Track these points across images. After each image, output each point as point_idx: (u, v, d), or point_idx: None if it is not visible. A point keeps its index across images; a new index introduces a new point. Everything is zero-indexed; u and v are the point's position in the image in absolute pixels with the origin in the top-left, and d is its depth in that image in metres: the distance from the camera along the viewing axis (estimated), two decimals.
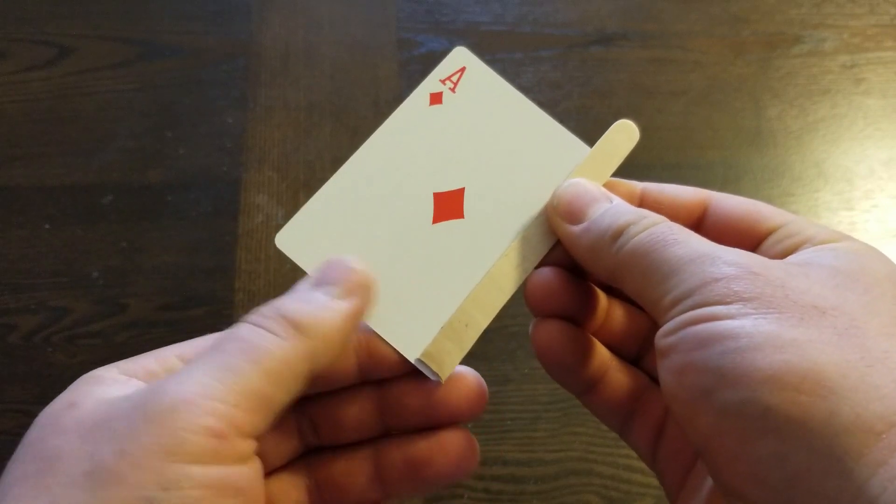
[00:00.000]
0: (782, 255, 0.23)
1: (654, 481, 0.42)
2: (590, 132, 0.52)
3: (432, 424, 0.25)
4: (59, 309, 0.44)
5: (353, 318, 0.22)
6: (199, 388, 0.19)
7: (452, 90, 0.27)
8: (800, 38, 0.56)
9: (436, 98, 0.27)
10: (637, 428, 0.26)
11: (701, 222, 0.25)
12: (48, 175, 0.47)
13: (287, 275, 0.45)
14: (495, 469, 0.41)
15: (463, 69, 0.27)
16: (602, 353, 0.26)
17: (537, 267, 0.25)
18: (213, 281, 0.45)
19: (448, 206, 0.26)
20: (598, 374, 0.26)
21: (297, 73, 0.52)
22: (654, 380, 0.27)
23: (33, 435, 0.20)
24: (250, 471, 0.19)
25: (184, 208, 0.47)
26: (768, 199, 0.50)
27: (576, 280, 0.25)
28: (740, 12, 0.56)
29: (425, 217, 0.26)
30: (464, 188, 0.26)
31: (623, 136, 0.26)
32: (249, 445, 0.19)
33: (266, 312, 0.21)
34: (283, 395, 0.20)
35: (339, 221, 0.26)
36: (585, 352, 0.26)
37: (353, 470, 0.24)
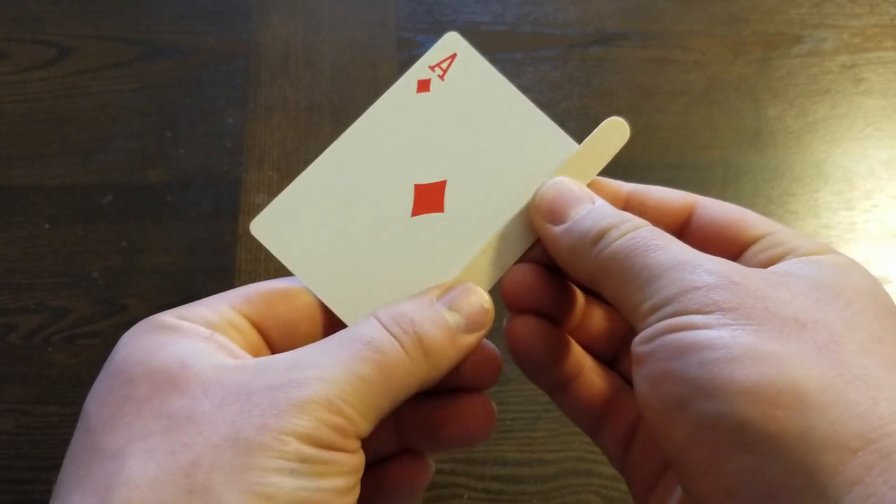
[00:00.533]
0: (765, 265, 0.22)
1: None
2: (590, 132, 0.52)
3: (450, 388, 0.25)
4: (59, 309, 0.44)
5: (468, 354, 0.23)
6: (337, 390, 0.20)
7: (441, 77, 0.26)
8: (800, 38, 0.56)
9: (423, 85, 0.26)
10: (608, 431, 0.26)
11: (686, 227, 0.25)
12: (48, 175, 0.47)
13: (287, 275, 0.45)
14: (495, 469, 0.41)
15: (454, 56, 0.26)
16: (577, 353, 0.26)
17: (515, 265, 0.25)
18: (213, 281, 0.45)
19: (428, 198, 0.25)
20: (572, 374, 0.26)
21: (297, 73, 0.52)
22: (629, 383, 0.26)
23: (144, 391, 0.20)
24: (359, 459, 0.21)
25: (184, 208, 0.47)
26: (768, 199, 0.50)
27: (553, 278, 0.25)
28: (740, 12, 0.56)
29: (404, 209, 0.25)
30: (445, 181, 0.25)
31: (613, 133, 0.26)
32: (358, 448, 0.21)
33: (403, 324, 0.22)
34: (390, 409, 0.21)
35: (316, 210, 0.25)
36: (559, 350, 0.26)
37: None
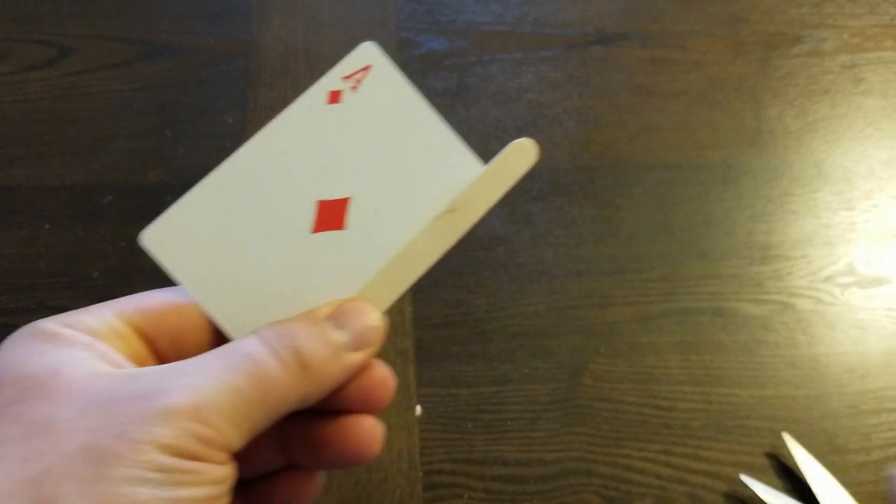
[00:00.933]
0: None
1: (655, 481, 0.42)
2: (590, 132, 0.52)
3: (338, 408, 0.24)
4: (59, 309, 0.44)
5: (354, 372, 0.23)
6: (207, 399, 0.19)
7: (354, 89, 0.25)
8: (800, 38, 0.56)
9: (335, 96, 0.25)
10: None
11: None
12: (48, 175, 0.47)
13: None
14: (495, 469, 0.41)
15: (368, 67, 0.25)
16: None
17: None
18: None
19: (330, 215, 0.24)
20: None
21: (297, 73, 0.52)
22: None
23: (9, 395, 0.20)
24: (228, 471, 0.20)
25: None
26: (768, 199, 0.50)
27: None
28: (740, 12, 0.56)
29: (305, 225, 0.24)
30: (349, 198, 0.24)
31: (520, 156, 0.25)
32: (227, 459, 0.20)
33: (284, 339, 0.22)
34: (266, 423, 0.21)
35: (211, 222, 0.24)
36: None
37: (260, 438, 0.24)
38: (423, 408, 0.43)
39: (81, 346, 0.21)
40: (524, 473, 0.41)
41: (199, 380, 0.20)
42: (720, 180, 0.50)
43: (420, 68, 0.53)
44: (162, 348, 0.24)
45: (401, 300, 0.45)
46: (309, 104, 0.25)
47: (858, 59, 0.55)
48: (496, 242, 0.47)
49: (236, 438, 0.20)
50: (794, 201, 0.50)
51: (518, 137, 0.50)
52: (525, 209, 0.48)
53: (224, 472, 0.20)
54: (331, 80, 0.25)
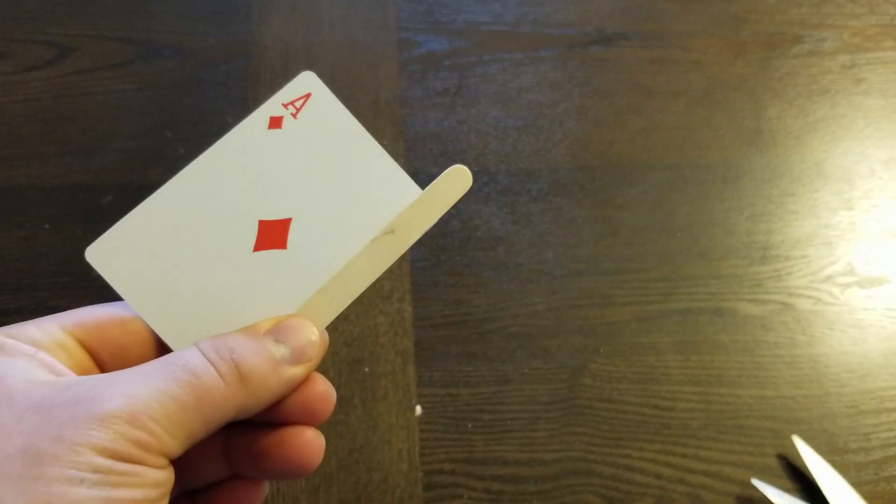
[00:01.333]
0: None
1: (654, 481, 0.42)
2: (590, 132, 0.52)
3: (280, 420, 0.25)
4: (59, 309, 0.44)
5: (294, 385, 0.24)
6: (142, 406, 0.20)
7: (294, 116, 0.26)
8: (799, 38, 0.56)
9: (276, 122, 0.26)
10: None
11: None
12: (48, 175, 0.47)
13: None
14: (495, 469, 0.41)
15: (308, 95, 0.26)
16: None
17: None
18: None
19: (272, 235, 0.25)
20: None
21: (297, 73, 0.52)
22: None
23: None
24: (165, 475, 0.21)
25: None
26: (768, 199, 0.50)
27: None
28: (740, 12, 0.56)
29: (247, 244, 0.25)
30: (291, 219, 0.25)
31: (456, 181, 0.26)
32: (165, 464, 0.21)
33: (222, 352, 0.22)
34: (204, 433, 0.22)
35: (155, 239, 0.25)
36: None
37: (205, 449, 0.25)
38: (423, 408, 0.43)
39: (23, 357, 0.22)
40: (524, 473, 0.41)
41: (135, 388, 0.21)
42: (720, 180, 0.50)
43: (420, 68, 0.53)
44: (104, 360, 0.24)
45: (400, 300, 0.45)
46: (250, 129, 0.26)
47: (858, 59, 0.55)
48: (496, 242, 0.47)
49: (173, 445, 0.21)
50: (793, 201, 0.50)
51: (518, 137, 0.50)
52: (525, 209, 0.48)
53: (161, 476, 0.21)
54: (271, 106, 0.26)
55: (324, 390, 0.25)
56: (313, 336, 0.24)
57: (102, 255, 0.24)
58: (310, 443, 0.24)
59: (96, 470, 0.19)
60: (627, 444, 0.42)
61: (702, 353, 0.45)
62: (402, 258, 0.46)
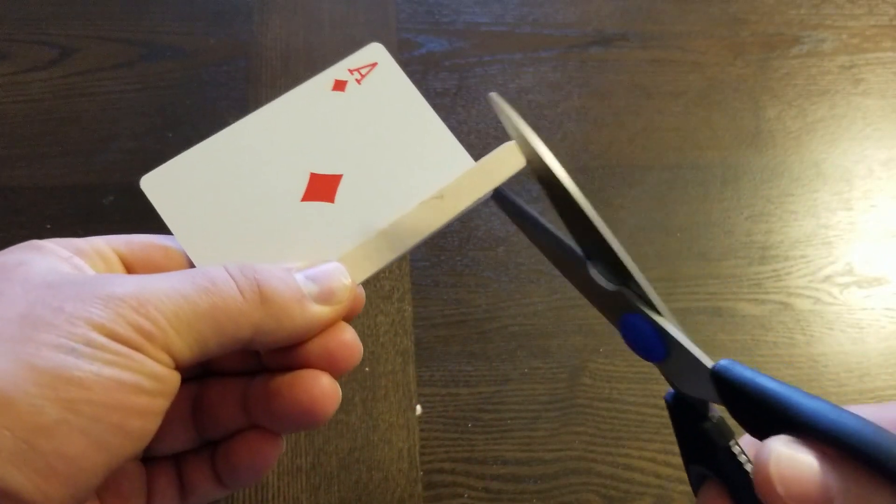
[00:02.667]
0: None
1: (654, 480, 0.42)
2: (590, 133, 0.52)
3: (301, 365, 0.24)
4: None
5: (319, 325, 0.23)
6: (151, 296, 0.20)
7: (358, 82, 0.27)
8: (799, 38, 0.56)
9: (339, 85, 0.27)
10: None
11: None
12: (49, 175, 0.48)
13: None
14: (495, 468, 0.42)
15: (374, 65, 0.27)
16: None
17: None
18: None
19: (321, 188, 0.26)
20: None
21: (297, 73, 0.52)
22: None
23: None
24: (166, 372, 0.21)
25: None
26: (767, 199, 0.50)
27: None
28: (739, 13, 0.57)
29: (296, 193, 0.26)
30: (341, 175, 0.26)
31: (510, 158, 0.26)
32: (169, 363, 0.21)
33: (246, 272, 0.22)
34: (216, 344, 0.21)
35: (209, 177, 0.25)
36: None
37: (225, 394, 0.25)
38: (423, 407, 0.43)
39: (58, 257, 0.22)
40: (524, 473, 0.42)
41: (149, 282, 0.21)
42: (719, 180, 0.51)
43: (420, 69, 0.53)
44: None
45: (401, 300, 0.45)
46: (314, 88, 0.27)
47: (857, 60, 0.55)
48: (496, 242, 0.47)
49: (179, 344, 0.20)
50: (793, 201, 0.50)
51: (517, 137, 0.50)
52: None
53: (161, 371, 0.20)
54: (337, 70, 0.27)
55: (350, 339, 0.24)
56: (345, 280, 0.24)
57: (156, 184, 0.25)
58: (325, 388, 0.24)
59: (89, 344, 0.19)
60: (627, 443, 0.43)
61: None
62: (402, 259, 0.46)
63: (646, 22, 0.56)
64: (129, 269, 0.25)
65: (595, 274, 0.26)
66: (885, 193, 0.51)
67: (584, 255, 0.26)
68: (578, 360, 0.44)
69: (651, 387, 0.44)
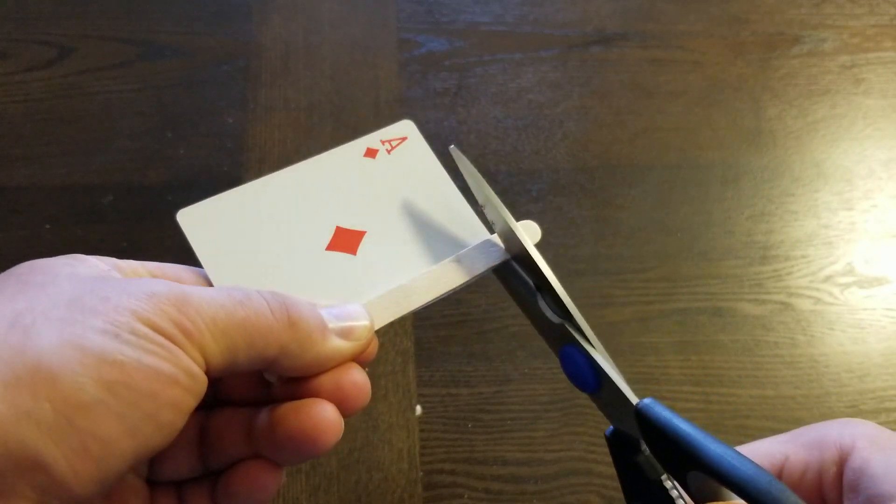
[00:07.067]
0: None
1: None
2: (590, 132, 0.52)
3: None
4: None
5: (336, 358, 0.24)
6: (191, 299, 0.21)
7: (388, 152, 0.30)
8: (799, 38, 0.56)
9: (371, 153, 0.30)
10: None
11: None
12: (48, 175, 0.47)
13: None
14: (495, 469, 0.41)
15: (405, 138, 0.30)
16: None
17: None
18: None
19: (346, 240, 0.28)
20: None
21: (297, 73, 0.52)
22: None
23: (23, 270, 0.22)
24: (198, 371, 0.21)
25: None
26: (768, 199, 0.50)
27: None
28: (740, 13, 0.57)
29: (322, 242, 0.28)
30: (365, 232, 0.28)
31: (526, 233, 0.28)
32: (202, 363, 0.21)
33: (278, 297, 0.23)
34: (245, 357, 0.22)
35: (242, 219, 0.28)
36: None
37: (232, 423, 0.26)
38: (423, 408, 0.43)
39: (99, 270, 0.24)
40: (524, 473, 0.41)
41: (191, 288, 0.22)
42: (720, 180, 0.51)
43: (420, 68, 0.53)
44: None
45: None
46: (348, 152, 0.30)
47: (858, 60, 0.55)
48: None
49: (213, 347, 0.21)
50: (793, 201, 0.50)
51: (518, 137, 0.50)
52: (525, 209, 0.48)
53: (196, 370, 0.21)
54: (370, 139, 0.30)
55: (361, 379, 0.25)
56: (365, 321, 0.25)
57: (192, 220, 0.27)
58: (328, 415, 0.24)
59: (133, 332, 0.20)
60: None
61: (702, 353, 0.45)
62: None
63: (646, 21, 0.56)
64: None
65: (543, 306, 0.28)
66: (885, 193, 0.51)
67: (535, 287, 0.28)
68: None
69: (651, 387, 0.44)
